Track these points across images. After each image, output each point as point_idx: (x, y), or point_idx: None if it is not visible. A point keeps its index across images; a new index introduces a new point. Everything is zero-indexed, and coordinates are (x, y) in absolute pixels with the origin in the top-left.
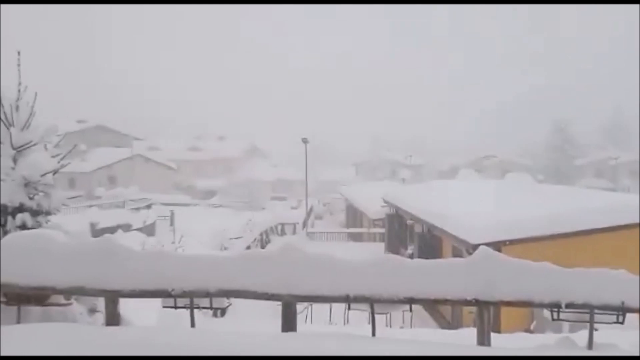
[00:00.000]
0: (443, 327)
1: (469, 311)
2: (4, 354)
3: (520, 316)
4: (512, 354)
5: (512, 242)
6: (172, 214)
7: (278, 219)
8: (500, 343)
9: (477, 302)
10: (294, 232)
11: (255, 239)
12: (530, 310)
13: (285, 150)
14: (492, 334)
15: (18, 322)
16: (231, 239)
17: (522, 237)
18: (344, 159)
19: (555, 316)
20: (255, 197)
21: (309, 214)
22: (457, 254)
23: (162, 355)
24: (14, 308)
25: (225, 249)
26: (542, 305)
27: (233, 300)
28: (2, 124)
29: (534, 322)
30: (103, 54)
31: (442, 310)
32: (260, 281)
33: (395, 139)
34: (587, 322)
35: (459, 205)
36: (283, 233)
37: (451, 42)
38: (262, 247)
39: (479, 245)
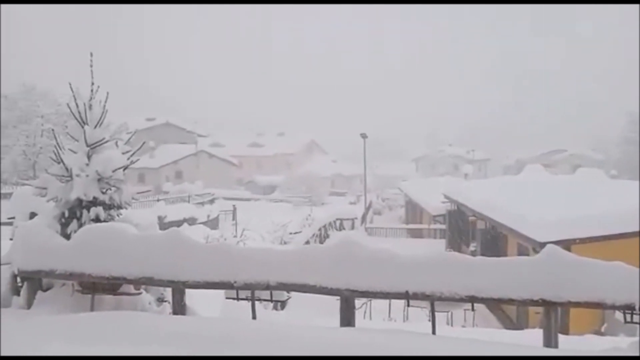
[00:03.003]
0: (507, 328)
1: (536, 311)
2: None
3: (590, 318)
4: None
5: (583, 240)
6: (234, 208)
7: (337, 214)
8: (568, 345)
9: (544, 303)
10: (353, 228)
11: (314, 234)
12: (601, 312)
13: (345, 145)
14: (560, 336)
15: (92, 309)
16: (291, 233)
17: (593, 235)
18: (404, 154)
19: (628, 318)
20: (314, 193)
21: (367, 209)
22: (523, 252)
23: (225, 344)
24: (89, 296)
25: (285, 243)
26: (614, 307)
27: (292, 293)
28: (77, 122)
29: (605, 324)
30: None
31: (506, 309)
32: (318, 275)
33: (457, 134)
34: None
35: (526, 202)
36: (341, 228)
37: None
38: (321, 242)
39: (547, 243)
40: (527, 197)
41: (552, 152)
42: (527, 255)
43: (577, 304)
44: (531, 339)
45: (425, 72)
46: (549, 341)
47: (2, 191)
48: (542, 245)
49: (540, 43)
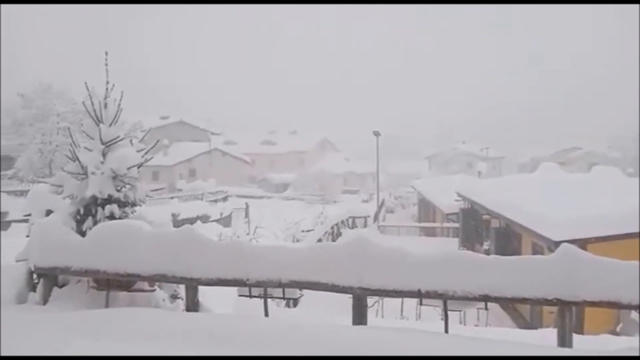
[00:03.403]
0: (521, 327)
1: (550, 311)
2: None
3: (605, 317)
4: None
5: (598, 239)
6: (247, 206)
7: (349, 212)
8: (582, 345)
9: (558, 302)
10: (365, 226)
11: (326, 232)
12: (616, 312)
13: (357, 143)
14: (574, 335)
15: (107, 306)
16: (303, 231)
17: (609, 234)
18: (417, 152)
19: None
20: (326, 190)
21: (380, 207)
22: (537, 251)
23: (238, 341)
24: (103, 293)
25: (298, 241)
26: (630, 307)
27: (305, 291)
28: (92, 121)
29: (621, 324)
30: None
31: (520, 309)
32: (331, 273)
33: (471, 132)
34: None
35: (541, 200)
36: (354, 226)
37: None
38: (334, 240)
39: (562, 242)
40: (542, 196)
41: (568, 150)
42: (542, 254)
43: (593, 304)
44: (545, 339)
45: (439, 69)
46: (564, 341)
47: (19, 188)
48: (557, 244)
49: (560, 41)
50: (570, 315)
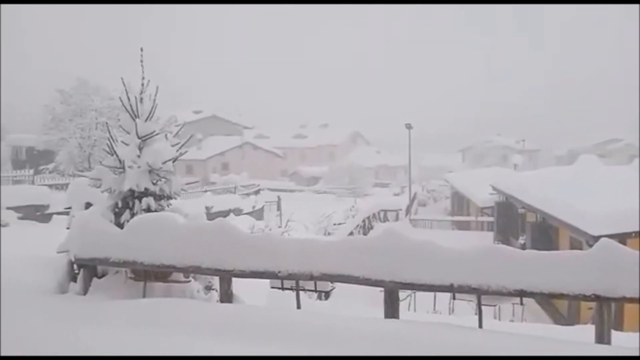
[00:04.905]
0: (558, 323)
1: (588, 307)
2: (4, 353)
3: None
4: (634, 353)
5: (638, 234)
6: (279, 199)
7: (380, 205)
8: (621, 342)
9: (596, 298)
10: (397, 219)
11: (357, 225)
12: None
13: (389, 136)
14: (613, 332)
15: (144, 296)
16: (334, 224)
17: None
18: (450, 145)
19: None
20: (357, 184)
21: (412, 200)
22: (575, 246)
23: (271, 333)
24: (141, 284)
25: (329, 234)
26: None
27: (336, 284)
28: (129, 116)
29: None
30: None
31: (556, 304)
32: (362, 267)
33: (506, 124)
34: None
35: (579, 194)
36: (385, 220)
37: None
38: (365, 233)
39: (601, 237)
40: (580, 189)
41: (607, 142)
42: (580, 249)
43: (632, 300)
44: (583, 335)
45: (473, 61)
46: (602, 337)
47: (60, 182)
48: (596, 238)
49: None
50: (608, 311)
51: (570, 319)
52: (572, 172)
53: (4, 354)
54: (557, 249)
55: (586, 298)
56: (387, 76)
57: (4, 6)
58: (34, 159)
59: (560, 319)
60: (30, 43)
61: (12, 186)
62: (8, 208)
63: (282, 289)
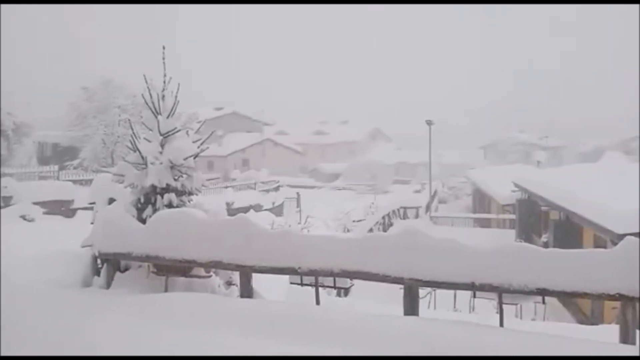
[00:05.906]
0: (581, 322)
1: (612, 306)
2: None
3: None
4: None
5: None
6: (299, 195)
7: (400, 202)
8: None
9: (621, 297)
10: (417, 216)
11: (377, 222)
12: None
13: (409, 133)
14: (638, 332)
15: (166, 290)
16: (354, 221)
17: None
18: (471, 142)
19: None
20: (377, 180)
21: (432, 197)
22: (599, 244)
23: (291, 328)
24: (163, 278)
25: (348, 231)
26: None
27: (355, 280)
28: (151, 113)
29: None
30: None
31: (579, 303)
32: (382, 264)
33: (529, 120)
34: None
35: (603, 191)
36: (405, 217)
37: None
38: (384, 230)
39: (626, 235)
40: (605, 187)
41: (634, 138)
42: (604, 247)
43: None
44: (606, 335)
45: (496, 57)
46: (626, 337)
47: (84, 178)
48: (621, 237)
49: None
50: (633, 311)
51: (593, 318)
52: (597, 168)
53: (31, 340)
54: (580, 247)
55: (610, 297)
56: (408, 73)
57: (36, 8)
58: (59, 155)
59: (583, 319)
60: (58, 43)
61: (38, 182)
62: (34, 203)
63: (302, 285)
